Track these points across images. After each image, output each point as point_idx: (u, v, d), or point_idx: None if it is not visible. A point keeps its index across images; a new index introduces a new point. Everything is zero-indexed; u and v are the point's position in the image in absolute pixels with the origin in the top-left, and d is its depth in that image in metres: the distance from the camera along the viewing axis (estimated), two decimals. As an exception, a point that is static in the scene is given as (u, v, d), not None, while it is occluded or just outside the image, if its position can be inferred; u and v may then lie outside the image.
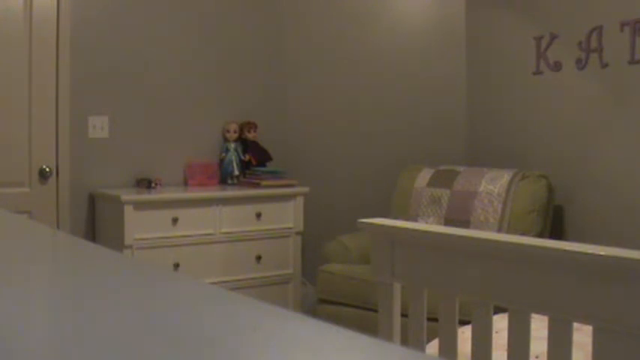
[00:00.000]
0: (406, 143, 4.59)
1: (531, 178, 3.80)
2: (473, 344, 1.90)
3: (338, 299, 3.78)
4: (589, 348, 1.63)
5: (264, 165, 4.48)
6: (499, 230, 3.68)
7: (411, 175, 4.16)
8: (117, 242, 3.71)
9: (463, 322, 2.06)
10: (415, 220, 3.91)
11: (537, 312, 1.79)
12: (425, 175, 4.09)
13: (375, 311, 3.19)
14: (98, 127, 4.10)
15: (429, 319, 2.08)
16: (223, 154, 4.48)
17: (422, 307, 2.06)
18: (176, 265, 3.86)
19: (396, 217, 3.76)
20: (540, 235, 3.68)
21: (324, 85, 4.76)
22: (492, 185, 3.81)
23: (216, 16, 4.49)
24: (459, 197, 3.87)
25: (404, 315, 2.14)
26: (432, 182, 4.02)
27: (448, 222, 3.79)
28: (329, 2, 4.79)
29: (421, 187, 4.05)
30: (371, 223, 2.19)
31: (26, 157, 3.87)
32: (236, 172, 4.45)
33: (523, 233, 3.54)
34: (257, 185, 4.26)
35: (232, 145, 4.47)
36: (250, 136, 4.51)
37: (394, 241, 2.13)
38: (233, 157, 4.46)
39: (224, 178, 4.46)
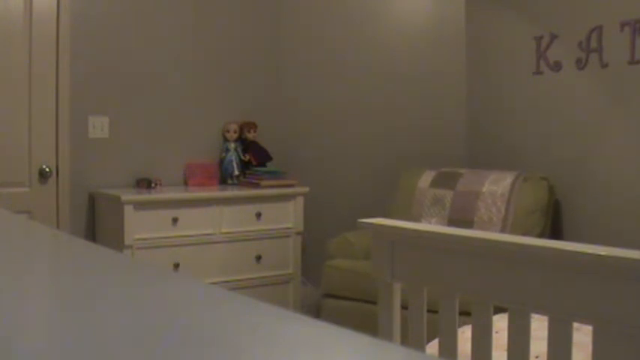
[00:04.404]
0: (406, 143, 4.59)
1: (533, 180, 3.84)
2: (473, 344, 1.90)
3: (343, 294, 3.82)
4: (589, 348, 1.63)
5: (264, 165, 4.48)
6: (502, 230, 3.69)
7: (414, 176, 4.19)
8: (117, 242, 3.72)
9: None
10: (418, 221, 3.92)
11: (537, 312, 1.79)
12: (427, 177, 4.12)
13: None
14: (98, 127, 4.10)
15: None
16: (223, 154, 4.48)
17: (422, 307, 2.07)
18: (176, 265, 3.86)
19: (398, 218, 3.75)
20: (541, 235, 3.70)
21: (324, 85, 4.76)
22: (496, 186, 3.84)
23: (216, 16, 4.49)
24: (462, 198, 3.90)
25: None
26: (435, 183, 4.04)
27: (452, 222, 3.81)
28: (329, 2, 4.79)
29: (424, 187, 4.07)
30: (371, 223, 2.19)
31: (26, 157, 3.87)
32: (236, 172, 4.45)
33: (525, 233, 3.55)
34: (257, 185, 4.26)
35: (232, 145, 4.47)
36: (250, 136, 4.51)
37: (394, 241, 2.13)
38: (233, 157, 4.46)
39: (224, 178, 4.46)
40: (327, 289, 3.90)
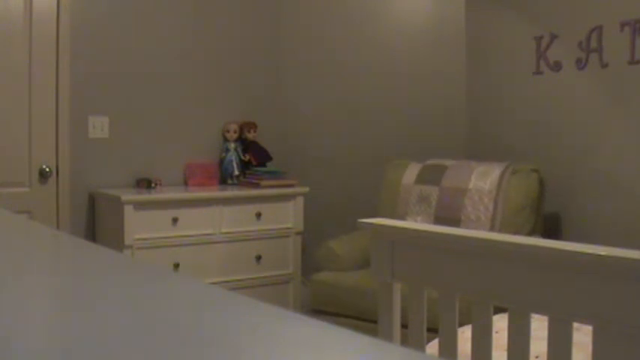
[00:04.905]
0: (406, 143, 4.59)
1: (522, 172, 3.73)
2: (473, 344, 1.90)
3: (330, 309, 3.68)
4: (589, 348, 1.63)
5: (264, 165, 4.48)
6: (491, 228, 3.62)
7: (398, 171, 4.07)
8: (117, 242, 3.72)
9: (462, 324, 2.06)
10: (403, 219, 3.84)
11: (537, 312, 1.79)
12: (412, 171, 3.99)
13: (368, 321, 3.16)
14: (98, 127, 4.10)
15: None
16: (223, 154, 4.48)
17: (422, 307, 2.06)
18: (176, 265, 3.86)
19: (383, 216, 3.68)
20: (532, 231, 3.64)
21: (324, 85, 4.76)
22: (482, 182, 3.71)
23: (216, 16, 4.49)
24: (448, 195, 3.77)
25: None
26: (420, 179, 3.92)
27: (438, 221, 3.70)
28: (329, 2, 4.79)
29: (409, 184, 3.95)
30: (371, 223, 2.19)
31: (26, 157, 3.87)
32: (236, 172, 4.45)
33: (515, 231, 3.48)
34: (257, 185, 4.26)
35: (232, 145, 4.47)
36: (250, 136, 4.51)
37: (394, 241, 2.13)
38: (233, 157, 4.46)
39: (224, 178, 4.46)
40: (315, 305, 3.78)
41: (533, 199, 3.69)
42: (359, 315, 3.49)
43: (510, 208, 3.66)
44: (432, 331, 2.09)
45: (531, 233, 3.62)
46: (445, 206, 3.76)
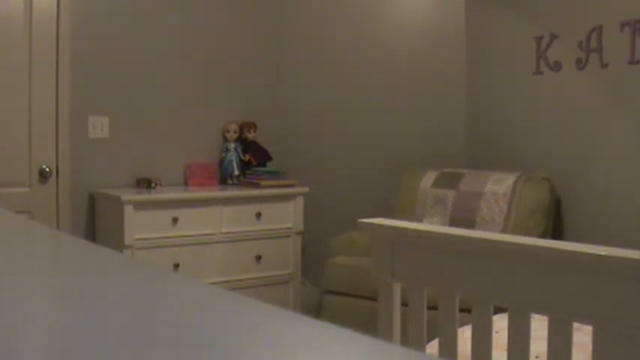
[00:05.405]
0: (406, 143, 4.59)
1: (535, 180, 3.85)
2: (473, 344, 1.90)
3: (344, 290, 3.82)
4: (589, 348, 1.63)
5: (264, 165, 4.48)
6: (504, 230, 3.70)
7: (416, 176, 4.20)
8: (117, 242, 3.71)
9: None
10: (420, 221, 3.93)
11: (537, 312, 1.79)
12: (430, 177, 4.14)
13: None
14: (98, 127, 4.10)
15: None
16: (223, 154, 4.48)
17: (422, 307, 2.06)
18: (176, 265, 3.86)
19: (401, 219, 3.77)
20: (543, 236, 3.71)
21: (324, 85, 4.76)
22: (498, 186, 3.87)
23: (216, 15, 4.50)
24: (464, 197, 3.92)
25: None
26: (437, 183, 4.07)
27: (453, 222, 3.82)
28: (329, 2, 4.79)
29: (426, 188, 4.09)
30: (371, 223, 2.19)
31: (26, 157, 3.87)
32: (236, 172, 4.45)
33: (527, 233, 3.57)
34: (257, 185, 4.26)
35: (232, 145, 4.47)
36: (250, 136, 4.51)
37: (394, 241, 2.13)
38: (233, 157, 4.46)
39: (224, 178, 4.46)
40: (329, 286, 3.91)
41: (545, 205, 3.80)
42: (371, 295, 3.57)
43: (523, 211, 3.77)
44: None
45: (542, 236, 3.69)
46: (461, 208, 3.89)
